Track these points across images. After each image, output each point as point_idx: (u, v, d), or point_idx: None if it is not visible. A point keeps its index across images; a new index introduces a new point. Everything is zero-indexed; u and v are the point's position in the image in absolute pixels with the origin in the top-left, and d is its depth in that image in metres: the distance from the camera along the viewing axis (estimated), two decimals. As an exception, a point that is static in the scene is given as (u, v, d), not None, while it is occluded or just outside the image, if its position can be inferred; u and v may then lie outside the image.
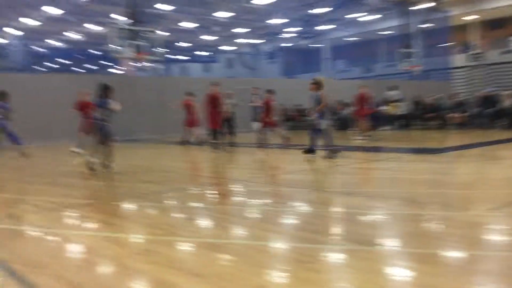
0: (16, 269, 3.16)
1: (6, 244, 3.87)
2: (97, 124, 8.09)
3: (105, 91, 8.22)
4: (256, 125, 12.38)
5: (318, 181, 7.28)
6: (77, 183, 7.61)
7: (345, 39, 37.59)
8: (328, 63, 39.44)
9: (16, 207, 5.52)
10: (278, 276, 2.98)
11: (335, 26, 34.49)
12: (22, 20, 29.62)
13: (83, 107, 10.59)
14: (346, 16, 32.23)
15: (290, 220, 4.59)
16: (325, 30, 35.93)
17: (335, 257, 3.34)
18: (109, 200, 5.83)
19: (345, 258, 3.29)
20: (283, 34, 37.37)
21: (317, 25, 34.25)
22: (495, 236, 3.84)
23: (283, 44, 40.18)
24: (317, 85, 9.22)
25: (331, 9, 29.55)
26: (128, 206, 5.46)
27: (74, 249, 3.67)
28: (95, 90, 8.46)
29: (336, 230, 4.15)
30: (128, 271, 3.08)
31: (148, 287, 2.92)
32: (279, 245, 3.65)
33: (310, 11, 30.76)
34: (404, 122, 18.59)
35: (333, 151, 8.88)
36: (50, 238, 4.09)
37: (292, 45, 39.22)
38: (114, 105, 8.11)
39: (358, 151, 10.93)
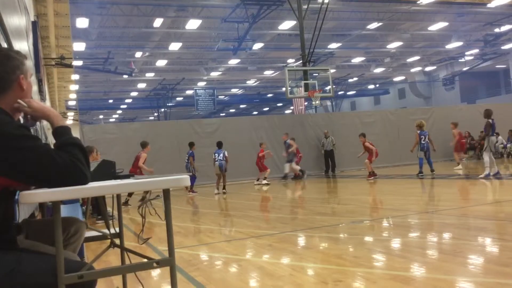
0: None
1: (203, 269, 4.33)
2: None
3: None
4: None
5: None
6: (260, 216, 8.14)
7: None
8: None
9: (211, 236, 6.15)
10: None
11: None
12: (209, 73, 33.58)
13: None
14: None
15: (482, 254, 4.17)
16: (511, 48, 32.41)
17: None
18: (291, 231, 6.08)
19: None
20: (460, 58, 34.77)
21: (500, 45, 31.13)
22: None
23: (460, 69, 37.33)
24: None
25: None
26: (309, 236, 5.61)
27: (266, 276, 3.92)
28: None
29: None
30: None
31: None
32: (471, 279, 3.34)
33: (491, 31, 28.24)
34: None
35: None
36: (241, 265, 4.44)
37: (471, 69, 36.15)
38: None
39: None
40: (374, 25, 25.74)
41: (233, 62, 30.77)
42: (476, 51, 32.81)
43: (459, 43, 30.24)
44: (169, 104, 39.54)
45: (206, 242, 5.69)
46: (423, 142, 13.00)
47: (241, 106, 47.89)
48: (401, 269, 3.75)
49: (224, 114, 45.91)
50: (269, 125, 17.99)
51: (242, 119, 20.63)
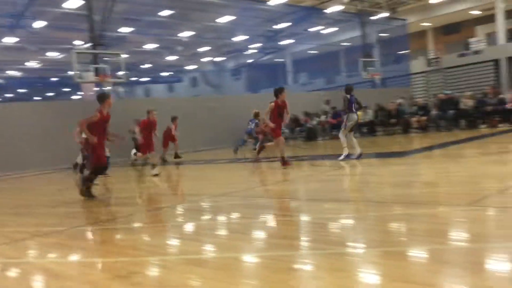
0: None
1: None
2: None
3: None
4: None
5: (290, 191, 7.36)
6: (49, 212, 7.42)
7: (306, 52, 38.29)
8: (291, 76, 40.04)
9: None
10: (259, 284, 3.00)
11: (295, 40, 35.14)
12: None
13: None
14: (306, 30, 32.95)
15: (266, 230, 4.63)
16: (287, 44, 36.55)
17: (314, 260, 3.39)
18: (82, 226, 5.72)
19: (321, 261, 3.35)
20: (246, 51, 37.71)
21: (279, 40, 34.80)
22: (458, 230, 3.99)
23: (246, 61, 40.49)
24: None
25: (291, 24, 30.13)
26: (102, 230, 5.36)
27: (52, 278, 3.58)
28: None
29: (312, 235, 4.20)
30: (111, 294, 3.04)
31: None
32: (257, 255, 3.68)
33: (271, 28, 31.28)
34: (369, 128, 19.08)
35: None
36: (24, 269, 3.98)
37: (255, 61, 39.58)
38: None
39: (327, 159, 11.10)
40: (166, 13, 25.84)
41: (10, 40, 27.15)
42: (259, 45, 35.99)
43: (245, 37, 32.71)
44: None
45: (-22, 247, 4.91)
46: (250, 127, 15.93)
47: (20, 90, 42.69)
48: (195, 253, 3.88)
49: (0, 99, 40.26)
50: (55, 112, 16.45)
51: (22, 105, 18.42)
